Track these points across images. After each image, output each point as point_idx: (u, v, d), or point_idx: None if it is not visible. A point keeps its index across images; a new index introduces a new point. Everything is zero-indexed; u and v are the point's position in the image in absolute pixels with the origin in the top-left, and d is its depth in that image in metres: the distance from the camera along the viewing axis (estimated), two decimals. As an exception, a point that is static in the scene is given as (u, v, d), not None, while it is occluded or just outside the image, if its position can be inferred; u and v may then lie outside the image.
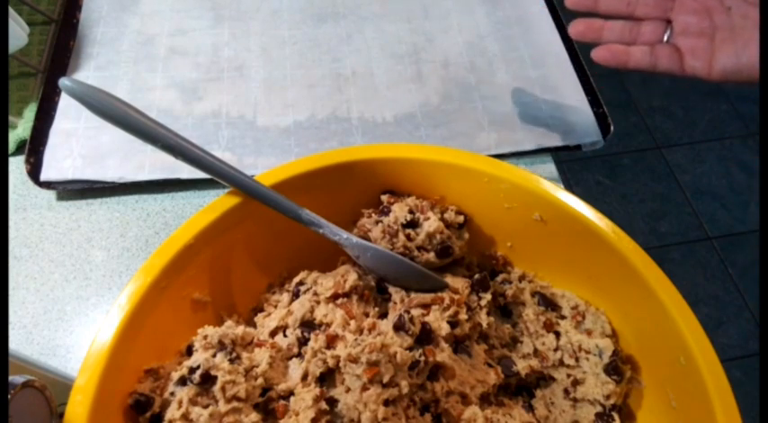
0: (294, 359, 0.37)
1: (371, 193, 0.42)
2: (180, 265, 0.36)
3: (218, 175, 0.37)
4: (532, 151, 0.57)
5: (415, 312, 0.37)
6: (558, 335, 0.40)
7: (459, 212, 0.42)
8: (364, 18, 0.67)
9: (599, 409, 0.38)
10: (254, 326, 0.40)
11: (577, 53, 0.65)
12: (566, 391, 0.39)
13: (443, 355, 0.36)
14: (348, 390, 0.34)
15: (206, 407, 0.33)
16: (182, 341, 0.37)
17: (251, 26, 0.66)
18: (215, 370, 0.34)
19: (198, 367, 0.34)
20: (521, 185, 0.39)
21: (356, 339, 0.35)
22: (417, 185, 0.42)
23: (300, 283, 0.41)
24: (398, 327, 0.36)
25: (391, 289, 0.40)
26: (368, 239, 0.40)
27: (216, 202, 0.38)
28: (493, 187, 0.40)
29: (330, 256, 0.42)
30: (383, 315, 0.39)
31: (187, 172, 0.53)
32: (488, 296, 0.40)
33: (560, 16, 0.68)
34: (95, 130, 0.55)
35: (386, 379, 0.33)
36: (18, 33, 0.54)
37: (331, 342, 0.36)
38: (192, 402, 0.33)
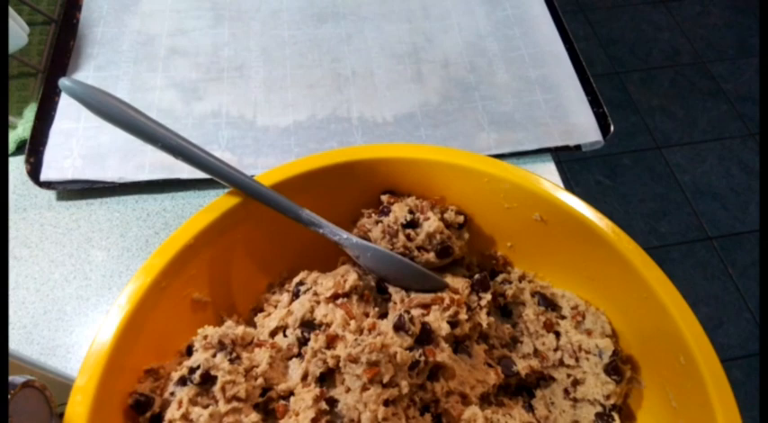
0: (294, 359, 0.37)
1: (371, 193, 0.42)
2: (180, 265, 0.36)
3: (218, 175, 0.37)
4: (532, 151, 0.57)
5: (415, 312, 0.37)
6: (558, 335, 0.40)
7: (459, 212, 0.42)
8: (364, 18, 0.67)
9: (599, 409, 0.38)
10: (254, 326, 0.40)
11: (577, 53, 0.65)
12: (566, 391, 0.39)
13: (443, 355, 0.36)
14: (348, 390, 0.34)
15: (206, 407, 0.33)
16: (182, 341, 0.37)
17: (251, 26, 0.66)
18: (215, 370, 0.34)
19: (198, 367, 0.34)
20: (521, 185, 0.39)
21: (356, 339, 0.35)
22: (417, 185, 0.42)
23: (300, 283, 0.41)
24: (398, 327, 0.36)
25: (391, 289, 0.40)
26: (368, 239, 0.40)
27: (216, 202, 0.38)
28: (493, 187, 0.40)
29: (330, 256, 0.42)
30: (383, 315, 0.39)
31: (187, 172, 0.53)
32: (488, 296, 0.40)
33: (560, 16, 0.68)
34: (95, 130, 0.55)
35: (386, 379, 0.33)
36: (18, 33, 0.54)
37: (331, 342, 0.36)
38: (192, 402, 0.33)
